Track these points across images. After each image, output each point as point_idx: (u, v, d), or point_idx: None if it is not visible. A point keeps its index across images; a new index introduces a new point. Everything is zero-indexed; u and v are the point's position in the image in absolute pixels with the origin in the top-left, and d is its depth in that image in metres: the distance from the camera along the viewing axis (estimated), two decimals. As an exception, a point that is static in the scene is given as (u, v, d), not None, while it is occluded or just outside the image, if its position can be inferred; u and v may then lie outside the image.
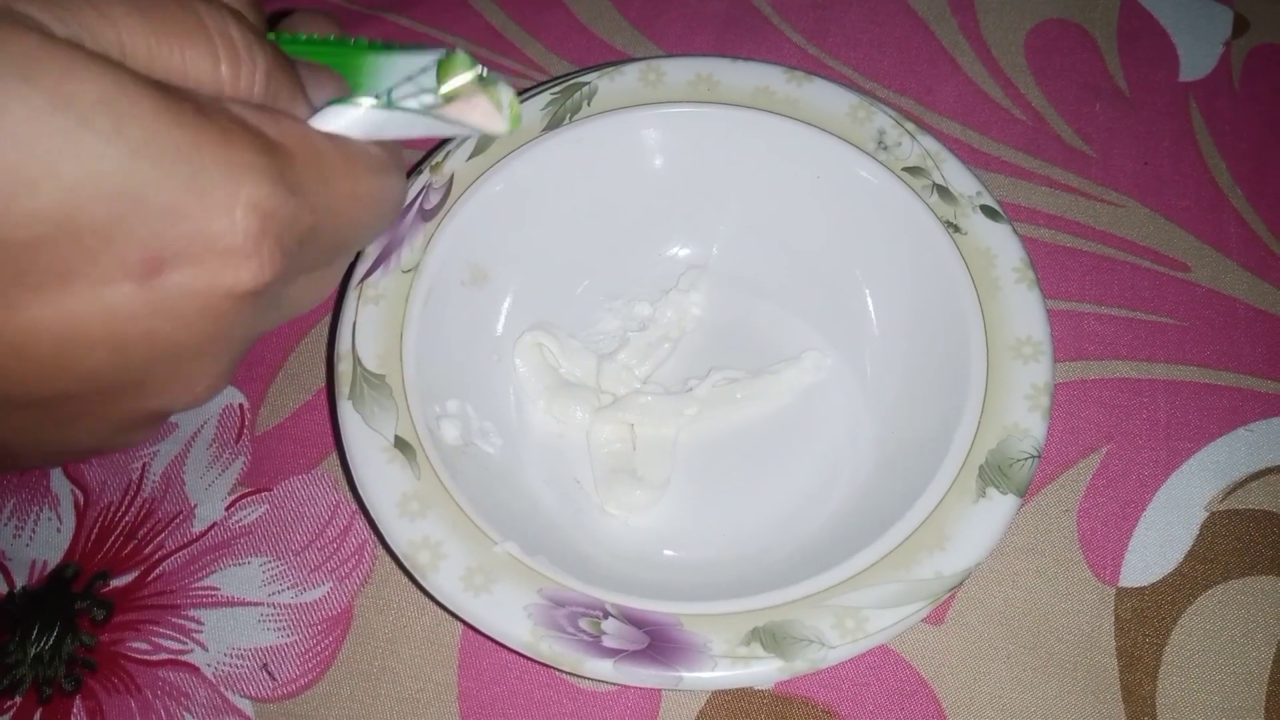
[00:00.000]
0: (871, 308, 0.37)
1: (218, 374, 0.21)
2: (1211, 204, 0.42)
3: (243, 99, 0.19)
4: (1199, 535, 0.35)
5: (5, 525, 0.36)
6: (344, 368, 0.32)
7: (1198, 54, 0.45)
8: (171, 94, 0.18)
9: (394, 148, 0.22)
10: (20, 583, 0.35)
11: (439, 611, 0.34)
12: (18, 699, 0.33)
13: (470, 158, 0.36)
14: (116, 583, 0.35)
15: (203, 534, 0.36)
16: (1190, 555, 0.35)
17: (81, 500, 0.36)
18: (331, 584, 0.35)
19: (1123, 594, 0.34)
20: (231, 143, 0.18)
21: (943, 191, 0.35)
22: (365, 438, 0.30)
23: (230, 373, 0.21)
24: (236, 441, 0.37)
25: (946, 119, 0.44)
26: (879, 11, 0.46)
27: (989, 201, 0.35)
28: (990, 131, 0.43)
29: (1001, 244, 0.34)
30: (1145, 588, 0.35)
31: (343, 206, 0.21)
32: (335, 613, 0.34)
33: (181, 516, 0.36)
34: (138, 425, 0.22)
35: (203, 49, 0.19)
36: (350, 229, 0.22)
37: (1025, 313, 0.33)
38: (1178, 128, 0.44)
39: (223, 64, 0.19)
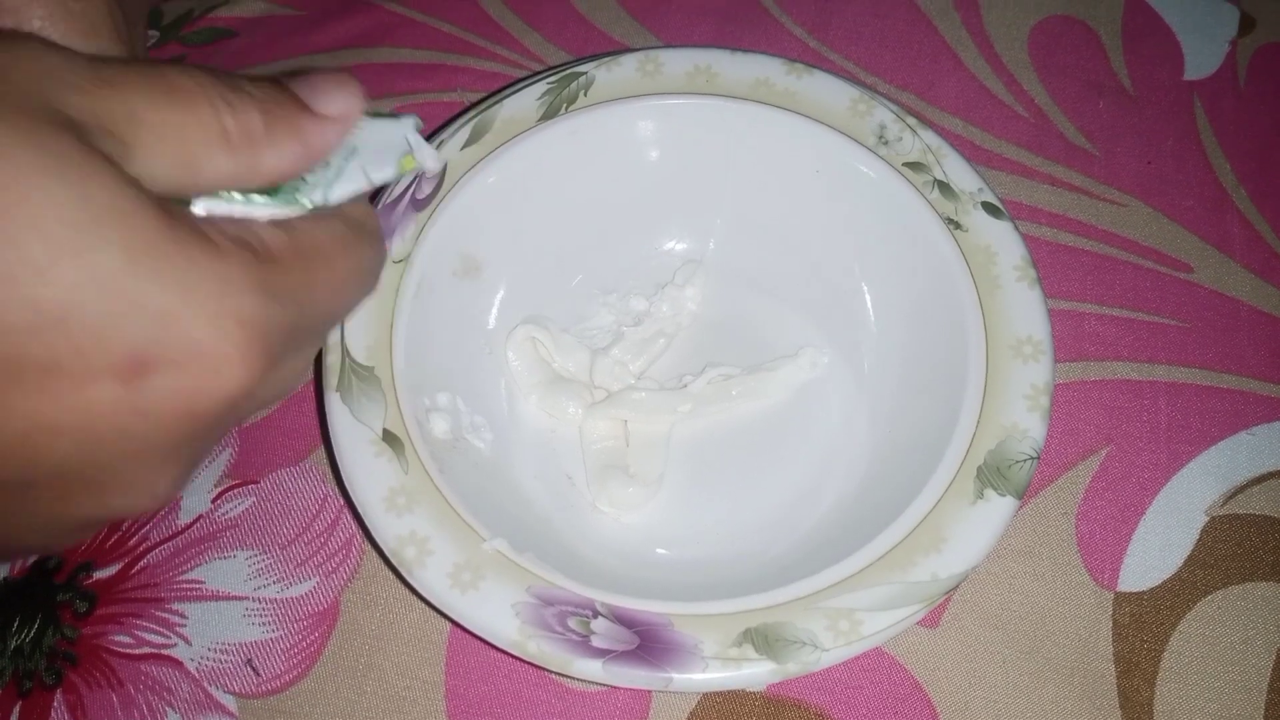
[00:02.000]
0: (870, 304, 0.37)
1: (178, 477, 0.21)
2: (1215, 204, 0.41)
3: (251, 139, 0.21)
4: (1199, 540, 0.35)
5: (-13, 515, 0.35)
6: (332, 359, 0.31)
7: (1203, 52, 0.45)
8: (172, 210, 0.19)
9: (371, 211, 0.24)
10: (1, 574, 0.35)
11: (427, 608, 0.33)
12: (-3, 692, 0.33)
13: (464, 147, 0.35)
14: (100, 575, 0.34)
15: (188, 526, 0.35)
16: (1190, 560, 0.35)
17: (66, 491, 0.36)
18: (318, 579, 0.34)
19: (1121, 598, 0.34)
20: (224, 257, 0.19)
21: (944, 188, 0.35)
22: (353, 430, 0.30)
23: (190, 477, 0.22)
24: (224, 433, 0.37)
25: (948, 115, 0.43)
26: (881, 5, 0.46)
27: (990, 198, 0.34)
28: (992, 128, 0.43)
29: (1003, 241, 0.34)
30: (1144, 592, 0.34)
31: (327, 295, 0.22)
32: (321, 608, 0.34)
33: (167, 508, 0.36)
34: (87, 526, 0.22)
35: (204, 111, 0.20)
36: (334, 311, 0.23)
37: (1026, 312, 0.32)
38: (1182, 127, 0.43)
39: (224, 116, 0.20)
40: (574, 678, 0.28)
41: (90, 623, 0.34)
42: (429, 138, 0.36)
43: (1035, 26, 0.45)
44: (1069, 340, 0.38)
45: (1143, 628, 0.34)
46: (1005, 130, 0.43)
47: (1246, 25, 0.46)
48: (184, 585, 0.34)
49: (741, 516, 0.34)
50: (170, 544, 0.35)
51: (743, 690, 0.33)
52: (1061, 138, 0.43)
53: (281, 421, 0.37)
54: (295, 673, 0.33)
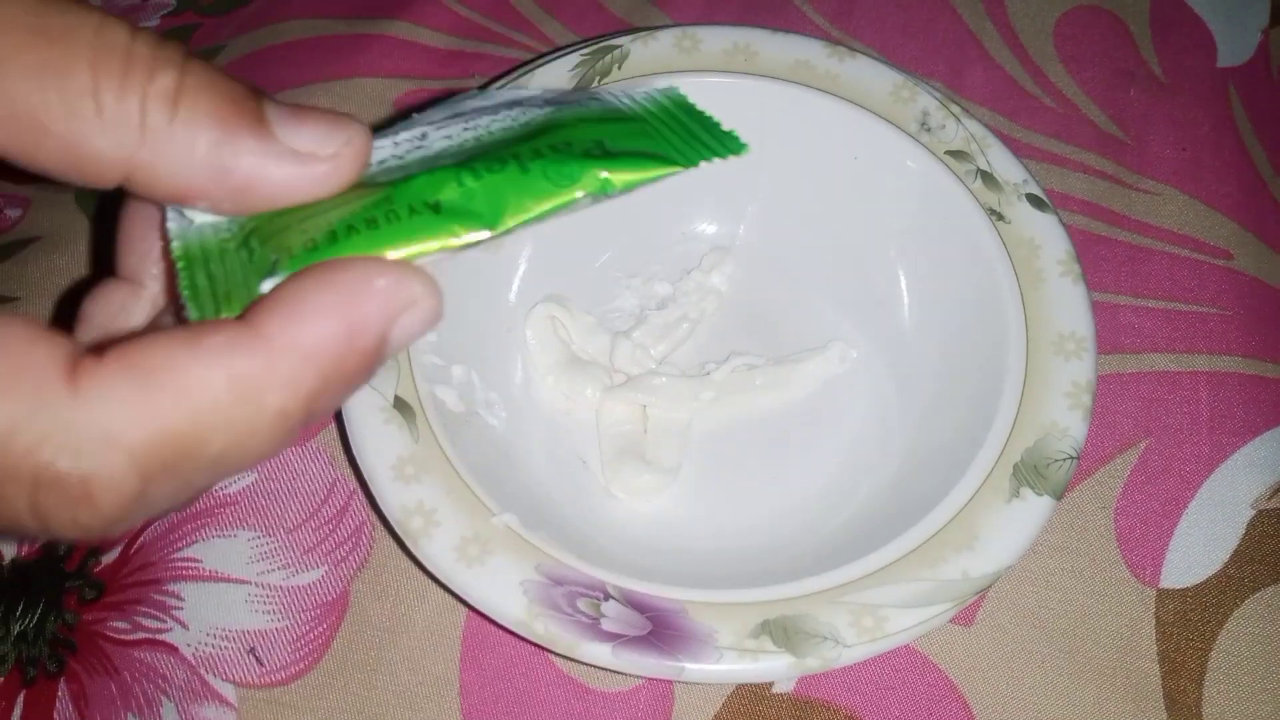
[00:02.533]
0: (905, 296, 0.36)
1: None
2: (1253, 191, 0.40)
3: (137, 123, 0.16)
4: (1245, 534, 0.34)
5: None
6: None
7: (1235, 40, 0.44)
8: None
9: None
10: (9, 554, 0.33)
11: (441, 600, 0.32)
12: (-2, 679, 0.32)
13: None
14: (107, 560, 0.33)
15: (182, 499, 0.34)
16: (1236, 555, 0.33)
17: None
18: (327, 567, 0.33)
19: (1164, 595, 0.33)
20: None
21: (987, 178, 0.34)
22: (363, 395, 0.29)
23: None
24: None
25: (974, 104, 0.42)
26: (904, -6, 0.45)
27: (1035, 190, 0.34)
28: (1019, 118, 0.42)
29: (1047, 235, 0.33)
30: (1188, 589, 0.33)
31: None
32: (330, 598, 0.33)
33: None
34: None
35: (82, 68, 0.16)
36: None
37: (1069, 307, 0.32)
38: (1217, 114, 0.42)
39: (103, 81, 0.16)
40: (581, 662, 0.27)
41: (94, 609, 0.32)
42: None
43: (1061, 17, 0.45)
44: (1104, 333, 0.37)
45: (1188, 626, 0.32)
46: (1033, 120, 0.42)
47: (1278, 15, 0.45)
48: (179, 563, 0.33)
49: (761, 510, 0.33)
50: (165, 520, 0.34)
51: (770, 690, 0.31)
52: (1092, 126, 0.42)
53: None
54: (301, 665, 0.32)
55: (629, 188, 0.18)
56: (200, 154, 0.17)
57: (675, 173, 0.18)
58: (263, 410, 0.16)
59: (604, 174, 0.18)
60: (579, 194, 0.18)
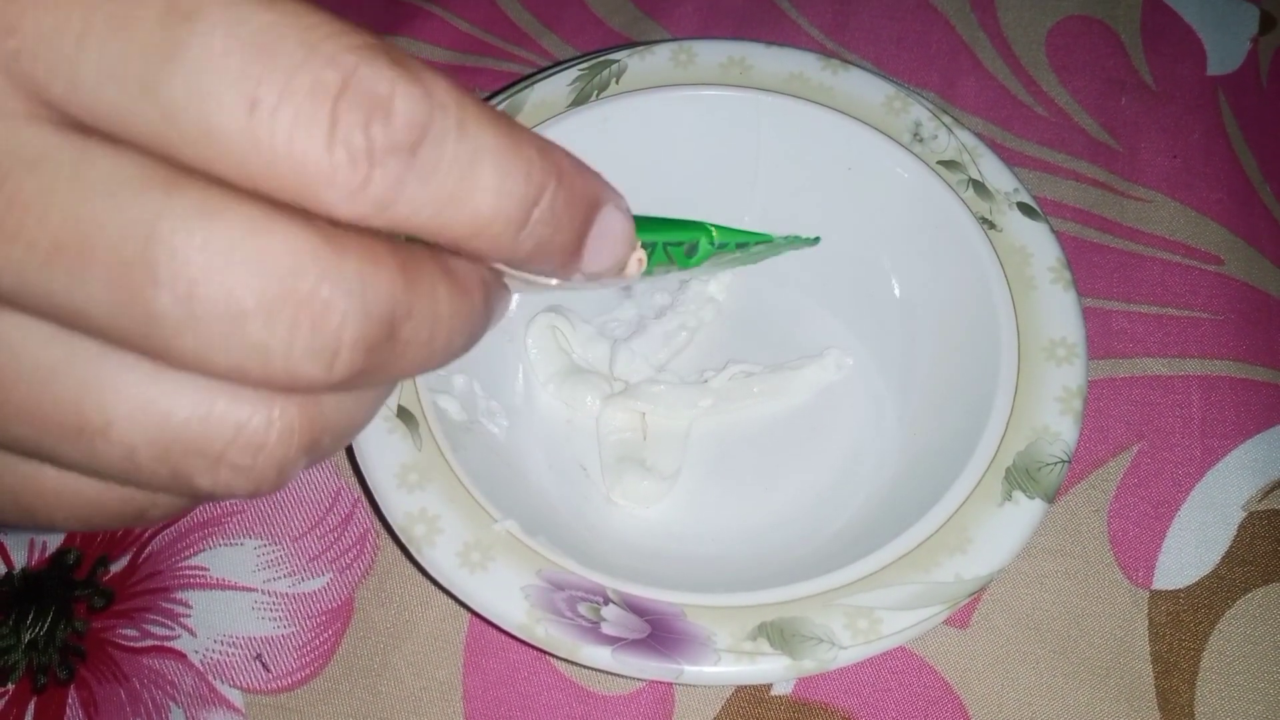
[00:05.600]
0: (899, 303, 0.36)
1: None
2: (1244, 198, 0.41)
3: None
4: (1236, 536, 0.34)
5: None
6: None
7: (1225, 49, 0.45)
8: None
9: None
10: (19, 563, 0.34)
11: (444, 606, 0.33)
12: (10, 686, 0.32)
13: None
14: (115, 568, 0.34)
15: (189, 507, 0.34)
16: (1228, 557, 0.34)
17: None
18: (332, 574, 0.34)
19: (1157, 597, 0.33)
20: None
21: (979, 187, 0.34)
22: None
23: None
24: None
25: (968, 115, 0.43)
26: (899, 7, 0.46)
27: (1026, 199, 0.34)
28: (1012, 127, 0.42)
29: (1038, 242, 0.33)
30: (1180, 590, 0.33)
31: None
32: (335, 605, 0.33)
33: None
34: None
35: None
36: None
37: (1060, 314, 0.32)
38: (1208, 121, 0.43)
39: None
40: (582, 665, 0.27)
41: (103, 617, 0.33)
42: None
43: (1053, 27, 0.45)
44: (1097, 338, 0.38)
45: (1180, 627, 0.33)
46: (1026, 129, 0.42)
47: (1267, 24, 0.45)
48: (187, 572, 0.34)
49: (759, 515, 0.34)
50: (172, 528, 0.34)
51: (769, 692, 0.32)
52: (1084, 134, 0.42)
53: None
54: (307, 671, 0.32)
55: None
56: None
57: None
58: None
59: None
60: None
